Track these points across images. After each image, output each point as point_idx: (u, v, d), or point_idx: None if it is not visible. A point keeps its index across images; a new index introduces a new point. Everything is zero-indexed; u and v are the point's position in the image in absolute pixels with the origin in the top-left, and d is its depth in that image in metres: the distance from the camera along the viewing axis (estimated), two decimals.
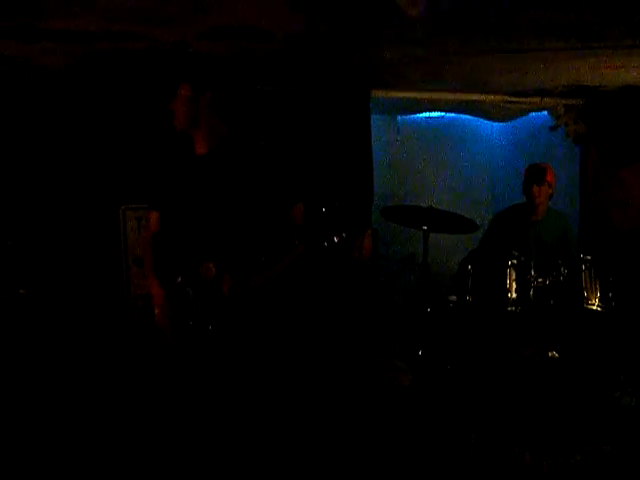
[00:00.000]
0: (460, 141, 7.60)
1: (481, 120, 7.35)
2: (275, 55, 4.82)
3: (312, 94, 6.09)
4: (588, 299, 5.41)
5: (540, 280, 5.43)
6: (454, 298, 5.68)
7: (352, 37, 4.42)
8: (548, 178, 5.91)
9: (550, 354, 5.37)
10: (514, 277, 5.47)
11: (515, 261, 5.48)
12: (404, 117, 7.30)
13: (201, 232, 3.66)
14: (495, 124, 7.52)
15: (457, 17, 3.96)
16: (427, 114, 7.31)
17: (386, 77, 5.90)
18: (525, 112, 7.07)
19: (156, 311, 3.73)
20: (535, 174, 5.93)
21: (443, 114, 7.32)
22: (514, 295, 5.45)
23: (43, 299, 5.27)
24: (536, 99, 6.86)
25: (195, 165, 3.70)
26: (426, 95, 6.61)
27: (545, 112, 7.09)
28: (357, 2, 3.62)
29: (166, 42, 4.41)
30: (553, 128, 7.01)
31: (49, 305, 5.35)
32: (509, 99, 6.87)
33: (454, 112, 7.17)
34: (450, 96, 6.69)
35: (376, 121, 6.62)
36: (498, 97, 6.85)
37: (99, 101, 5.65)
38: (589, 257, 5.51)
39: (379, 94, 6.35)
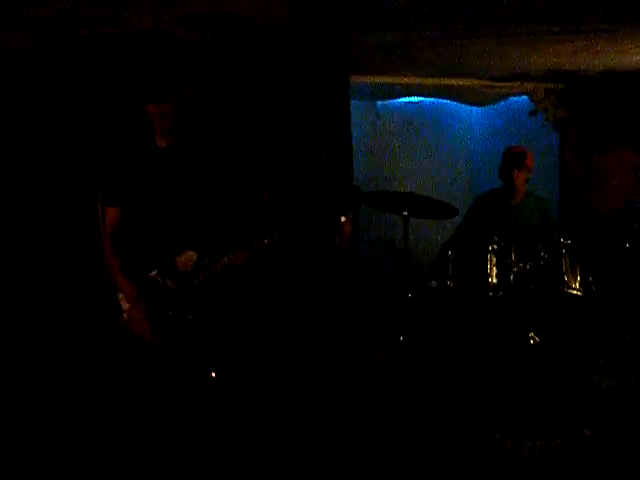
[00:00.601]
0: (439, 126, 7.59)
1: (460, 105, 7.32)
2: (255, 41, 4.79)
3: (291, 80, 6.06)
4: (568, 283, 5.43)
5: (520, 265, 5.44)
6: (434, 283, 5.69)
7: (331, 22, 4.39)
8: (527, 162, 5.92)
9: (531, 338, 5.39)
10: (494, 262, 5.48)
11: (495, 246, 5.49)
12: (383, 102, 7.27)
13: (173, 223, 3.60)
14: (474, 109, 7.51)
15: (436, 2, 3.93)
16: (406, 99, 7.28)
17: (365, 62, 5.88)
18: (504, 96, 7.06)
19: (126, 307, 3.66)
20: (514, 158, 5.93)
21: (422, 99, 7.30)
22: (495, 280, 5.47)
23: (20, 290, 5.23)
24: (516, 83, 6.86)
25: (161, 155, 3.63)
26: (405, 80, 6.59)
27: (525, 96, 7.07)
28: None
29: (145, 29, 4.35)
30: (533, 113, 7.01)
31: (26, 296, 5.30)
32: (488, 84, 6.87)
33: (433, 97, 7.16)
34: (429, 81, 6.68)
35: (355, 107, 6.60)
36: (477, 82, 6.84)
37: (77, 89, 5.56)
38: (569, 241, 5.52)
39: (358, 79, 6.33)
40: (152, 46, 4.86)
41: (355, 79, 6.31)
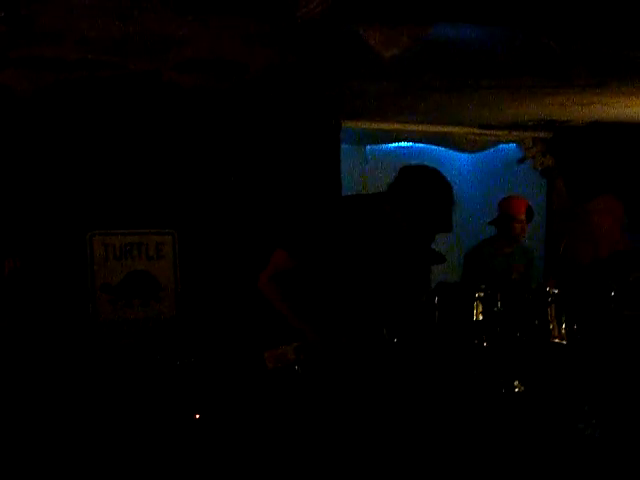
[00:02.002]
0: None
1: (450, 151, 7.38)
2: (246, 86, 4.84)
3: (283, 124, 6.11)
4: (554, 332, 5.44)
5: (507, 313, 5.46)
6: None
7: (323, 70, 4.45)
8: (527, 213, 5.95)
9: (516, 387, 5.39)
10: (481, 309, 5.49)
11: (482, 294, 5.50)
12: (373, 147, 7.31)
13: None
14: (463, 155, 7.55)
15: (431, 55, 3.99)
16: (396, 144, 7.33)
17: (357, 108, 5.95)
18: (494, 144, 7.15)
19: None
20: (513, 209, 5.95)
21: (412, 144, 7.35)
22: (481, 328, 5.47)
23: (10, 326, 5.24)
24: (505, 132, 6.95)
25: None
26: (397, 126, 6.66)
27: (513, 144, 7.16)
28: (330, 39, 3.64)
29: (139, 72, 4.40)
30: (521, 160, 7.09)
31: (16, 331, 5.31)
32: (478, 131, 6.95)
33: (424, 143, 7.21)
34: (420, 127, 6.76)
35: (345, 150, 6.64)
36: (468, 129, 6.92)
37: (67, 126, 5.60)
38: (555, 291, 5.55)
39: (350, 125, 6.38)
40: (146, 89, 4.91)
41: (346, 124, 6.36)
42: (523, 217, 5.98)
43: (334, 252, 3.70)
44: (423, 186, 3.64)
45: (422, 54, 3.95)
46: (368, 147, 7.30)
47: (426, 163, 7.29)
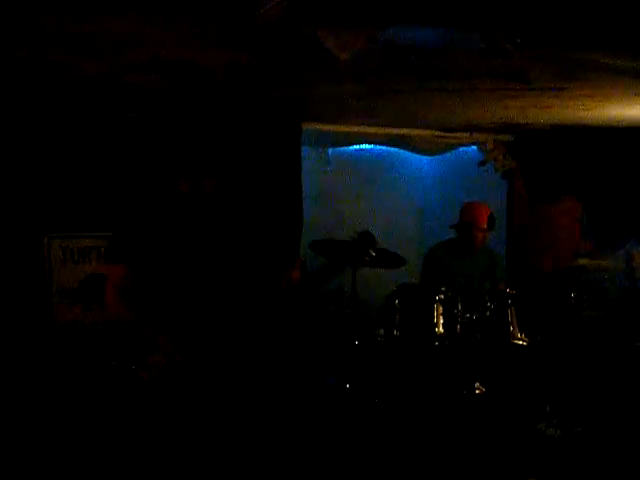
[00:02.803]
0: (390, 174, 7.65)
1: (411, 153, 7.41)
2: (208, 87, 4.80)
3: (241, 126, 6.08)
4: (514, 334, 5.48)
5: (467, 315, 5.49)
6: (382, 332, 5.70)
7: (283, 74, 4.42)
8: (489, 221, 5.97)
9: (476, 388, 5.42)
10: (441, 311, 5.52)
11: (442, 296, 5.53)
12: (335, 149, 7.31)
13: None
14: (425, 157, 7.58)
15: (389, 58, 3.98)
16: (358, 146, 7.34)
17: (317, 111, 5.93)
18: (454, 147, 7.17)
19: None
20: (476, 217, 5.96)
21: (373, 147, 7.36)
22: (441, 330, 5.50)
23: None
24: (465, 134, 6.97)
25: None
26: (357, 129, 6.66)
27: (474, 147, 7.18)
28: (286, 40, 3.61)
29: (96, 73, 4.35)
30: (482, 163, 7.12)
31: None
32: (439, 134, 6.97)
33: (385, 145, 7.23)
34: (380, 130, 6.76)
35: (306, 152, 6.65)
36: (428, 132, 6.95)
37: (25, 129, 5.56)
38: (514, 292, 5.60)
39: (310, 127, 6.37)
40: (105, 90, 4.86)
41: (307, 126, 6.35)
42: (485, 226, 6.00)
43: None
44: None
45: (379, 56, 3.93)
46: (330, 149, 7.30)
47: (387, 165, 7.46)
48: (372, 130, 6.78)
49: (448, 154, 7.35)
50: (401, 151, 7.39)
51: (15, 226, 5.54)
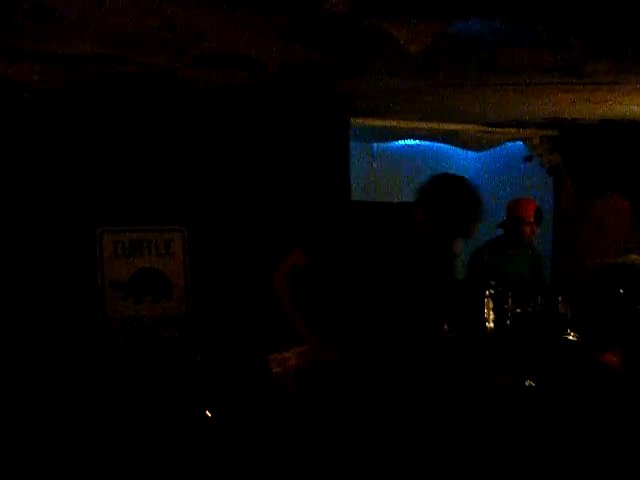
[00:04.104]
0: (435, 169, 7.55)
1: (456, 149, 7.40)
2: (262, 83, 4.83)
3: (292, 121, 6.11)
4: (565, 329, 5.45)
5: (518, 310, 5.47)
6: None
7: (342, 68, 4.43)
8: (537, 215, 5.94)
9: (527, 383, 5.39)
10: (491, 307, 5.50)
11: (492, 291, 5.51)
12: (380, 144, 7.32)
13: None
14: (470, 153, 7.57)
15: (447, 51, 3.98)
16: (402, 142, 7.34)
17: (366, 106, 5.92)
18: (500, 142, 7.15)
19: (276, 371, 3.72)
20: (523, 212, 5.93)
21: (418, 142, 7.36)
22: (492, 325, 5.48)
23: (22, 322, 5.23)
24: (512, 130, 6.94)
25: None
26: (404, 124, 6.65)
27: (520, 142, 7.16)
28: (350, 33, 3.63)
29: (155, 68, 4.38)
30: (528, 158, 7.09)
31: (27, 327, 5.31)
32: (485, 129, 6.94)
33: (430, 140, 7.22)
34: (428, 125, 6.74)
35: (352, 148, 6.64)
36: (475, 127, 6.92)
37: (80, 124, 5.62)
38: (564, 287, 5.57)
39: (358, 122, 6.38)
40: (159, 85, 4.89)
41: (355, 122, 6.36)
42: (532, 219, 5.95)
43: (352, 258, 3.67)
44: (452, 195, 3.61)
45: (441, 50, 3.94)
46: (375, 145, 7.31)
47: (432, 161, 7.45)
48: (418, 125, 6.77)
49: (493, 150, 7.32)
50: (446, 147, 7.39)
51: (67, 219, 5.58)
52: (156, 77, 4.63)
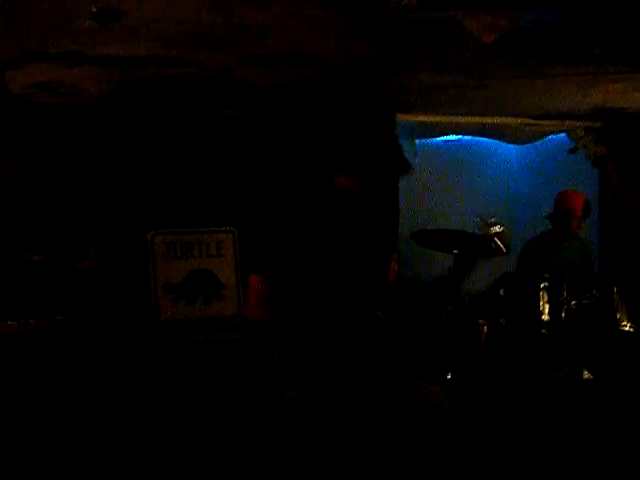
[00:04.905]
0: (478, 164, 7.57)
1: (499, 143, 7.35)
2: (315, 81, 4.82)
3: (340, 119, 6.10)
4: (621, 320, 5.43)
5: (573, 302, 5.45)
6: (482, 321, 5.68)
7: (397, 62, 4.42)
8: (585, 209, 5.95)
9: (584, 376, 5.37)
10: (546, 299, 5.48)
11: (547, 283, 5.49)
12: (422, 140, 7.28)
13: None
14: (512, 147, 7.51)
15: (507, 43, 3.96)
16: (444, 137, 7.30)
17: (413, 101, 5.92)
18: (544, 135, 7.10)
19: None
20: (572, 206, 5.94)
21: (461, 137, 7.32)
22: (547, 317, 5.46)
23: (78, 325, 5.24)
24: (556, 122, 6.90)
25: None
26: (448, 119, 6.64)
27: (563, 134, 7.12)
28: (411, 28, 3.62)
29: (210, 68, 4.39)
30: (572, 150, 7.03)
31: (84, 331, 5.32)
32: (528, 122, 6.91)
33: (473, 135, 7.17)
34: (472, 119, 6.73)
35: None
36: (518, 120, 6.89)
37: (133, 129, 5.66)
38: (619, 277, 5.55)
39: (403, 118, 6.37)
40: (213, 86, 4.90)
41: (400, 117, 6.35)
42: (580, 213, 5.96)
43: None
44: None
45: (501, 42, 3.91)
46: (418, 141, 7.27)
47: (474, 155, 7.41)
48: (462, 120, 6.75)
49: (537, 143, 7.27)
50: (488, 141, 7.33)
51: (120, 223, 5.61)
52: (211, 78, 4.64)
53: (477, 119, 6.76)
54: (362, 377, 4.18)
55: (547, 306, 5.47)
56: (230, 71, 4.47)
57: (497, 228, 5.53)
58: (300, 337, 3.77)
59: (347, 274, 3.73)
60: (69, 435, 4.64)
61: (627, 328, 5.42)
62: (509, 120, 6.86)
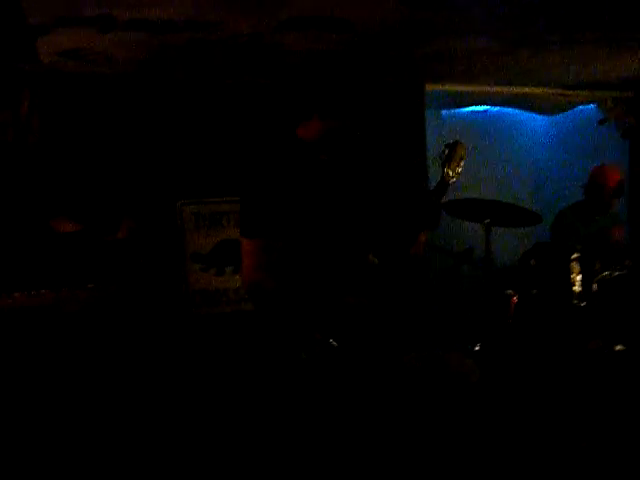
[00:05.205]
0: (504, 135, 7.49)
1: (525, 114, 7.28)
2: (346, 47, 4.77)
3: (370, 88, 6.03)
4: None
5: (605, 273, 5.40)
6: (511, 292, 5.63)
7: (429, 26, 4.37)
8: (619, 187, 5.93)
9: (616, 347, 5.33)
10: (578, 270, 5.43)
11: (579, 254, 5.44)
12: (449, 111, 7.21)
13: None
14: (539, 118, 7.44)
15: (545, 6, 3.91)
16: (471, 108, 7.23)
17: (443, 70, 5.85)
18: (573, 105, 7.05)
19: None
20: (607, 180, 5.91)
21: (487, 108, 7.25)
22: (578, 288, 5.41)
23: (109, 294, 5.23)
24: (585, 92, 6.83)
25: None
26: (477, 88, 6.58)
27: (592, 105, 7.05)
28: None
29: (243, 34, 4.35)
30: (602, 122, 6.92)
31: (115, 300, 5.31)
32: (558, 92, 6.85)
33: (502, 106, 7.11)
34: (501, 89, 6.67)
35: None
36: (547, 90, 6.83)
37: (162, 97, 5.62)
38: None
39: (433, 88, 6.31)
40: (243, 53, 4.86)
41: (430, 87, 6.30)
42: (615, 189, 5.94)
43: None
44: None
45: (537, 5, 3.87)
46: (444, 111, 7.21)
47: (502, 126, 7.34)
48: (489, 89, 6.69)
49: (565, 114, 7.21)
50: (515, 112, 7.26)
51: (149, 193, 5.59)
52: (241, 44, 4.59)
53: (506, 89, 6.69)
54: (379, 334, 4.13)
55: (579, 277, 5.42)
56: (260, 36, 4.42)
57: None
58: (309, 298, 3.69)
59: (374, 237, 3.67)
60: (100, 401, 4.66)
61: None
62: (538, 90, 6.79)
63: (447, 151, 4.22)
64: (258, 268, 3.42)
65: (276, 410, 3.83)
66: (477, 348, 5.47)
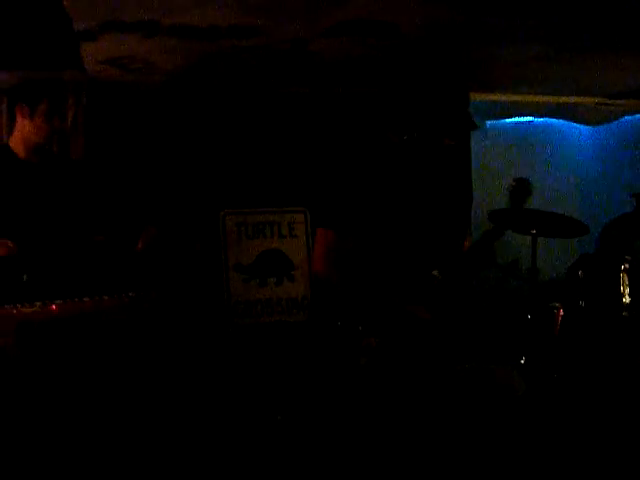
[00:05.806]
0: (549, 146, 7.41)
1: (570, 125, 7.20)
2: (390, 52, 4.73)
3: (413, 97, 5.99)
4: None
5: None
6: (558, 305, 5.54)
7: (476, 31, 4.32)
8: None
9: None
10: (627, 281, 5.33)
11: (628, 265, 5.35)
12: (492, 122, 7.15)
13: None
14: (584, 129, 7.35)
15: (596, 11, 3.84)
16: (515, 119, 7.17)
17: (487, 78, 5.79)
18: (619, 115, 6.94)
19: None
20: None
21: (532, 119, 7.18)
22: (627, 299, 5.31)
23: (150, 302, 5.22)
24: (631, 101, 6.73)
25: None
26: (521, 98, 6.53)
27: (638, 115, 6.95)
28: None
29: (286, 40, 4.33)
30: None
31: (156, 308, 5.30)
32: (603, 101, 6.76)
33: (546, 116, 7.03)
34: (547, 98, 6.59)
35: None
36: (592, 99, 6.74)
37: (204, 106, 5.63)
38: None
39: (477, 97, 6.24)
40: (285, 60, 4.84)
41: (474, 97, 6.21)
42: None
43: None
44: None
45: (587, 10, 3.80)
46: (488, 122, 7.14)
47: (545, 138, 7.26)
48: (534, 99, 6.62)
49: (610, 124, 7.11)
50: (559, 122, 7.18)
51: (192, 204, 5.59)
52: (284, 51, 4.57)
53: (551, 98, 6.62)
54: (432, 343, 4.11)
55: (628, 288, 5.32)
56: (304, 43, 4.40)
57: None
58: (368, 299, 3.72)
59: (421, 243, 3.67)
60: (142, 407, 4.64)
61: None
62: (584, 99, 6.70)
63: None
64: (327, 260, 3.56)
65: (323, 419, 3.80)
66: (523, 361, 5.38)
